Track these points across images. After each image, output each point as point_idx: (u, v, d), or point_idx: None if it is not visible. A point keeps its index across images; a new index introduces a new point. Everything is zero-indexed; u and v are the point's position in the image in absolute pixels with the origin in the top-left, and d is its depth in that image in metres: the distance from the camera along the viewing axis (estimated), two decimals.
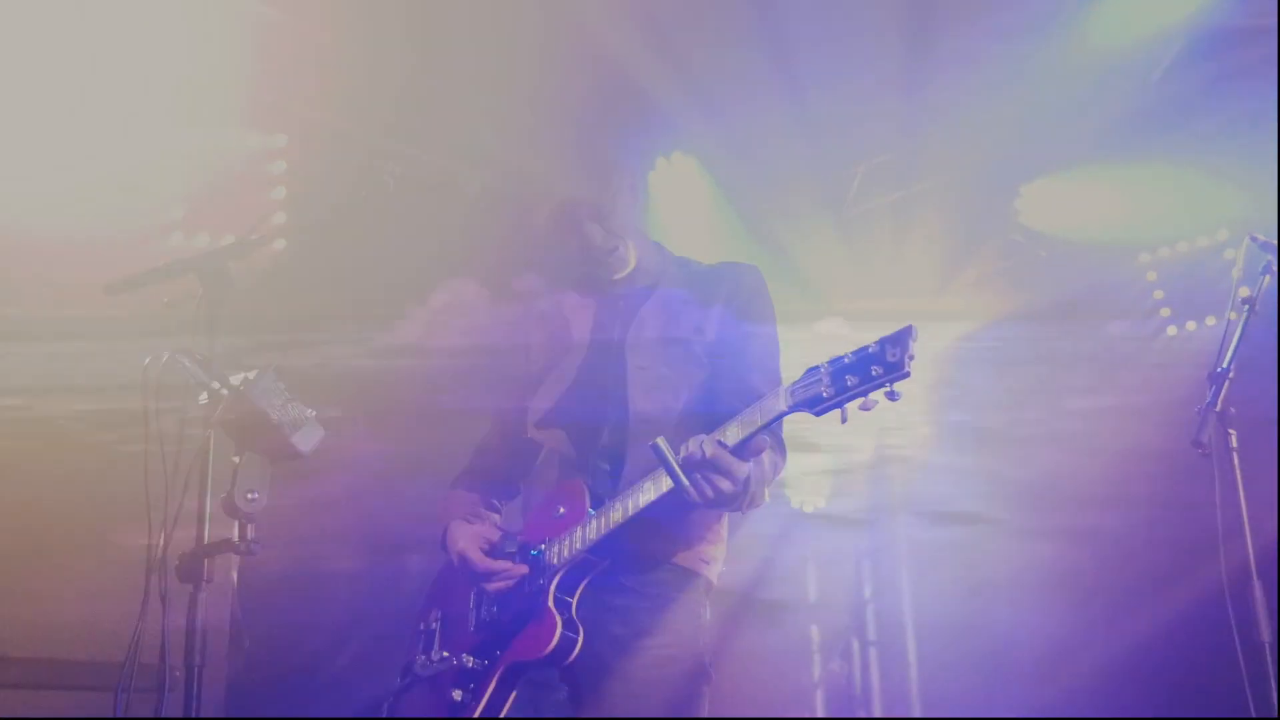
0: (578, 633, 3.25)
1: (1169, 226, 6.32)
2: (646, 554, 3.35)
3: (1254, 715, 3.42)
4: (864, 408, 2.79)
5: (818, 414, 2.88)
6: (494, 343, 4.15)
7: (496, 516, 3.76)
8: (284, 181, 5.30)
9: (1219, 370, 3.56)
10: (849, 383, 2.80)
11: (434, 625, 3.57)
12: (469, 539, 3.46)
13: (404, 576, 5.97)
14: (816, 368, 2.89)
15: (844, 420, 2.84)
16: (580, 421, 3.51)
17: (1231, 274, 6.27)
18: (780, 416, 2.94)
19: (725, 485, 3.00)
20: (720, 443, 2.99)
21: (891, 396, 2.76)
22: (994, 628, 6.54)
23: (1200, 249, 6.33)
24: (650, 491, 3.15)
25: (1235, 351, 3.62)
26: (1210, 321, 6.35)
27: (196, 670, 2.76)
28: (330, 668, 5.38)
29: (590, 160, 3.61)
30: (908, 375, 2.74)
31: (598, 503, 3.32)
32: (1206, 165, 5.91)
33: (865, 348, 2.82)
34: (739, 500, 3.09)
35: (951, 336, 6.63)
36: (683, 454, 2.99)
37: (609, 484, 3.37)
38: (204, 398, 2.78)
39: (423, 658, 3.53)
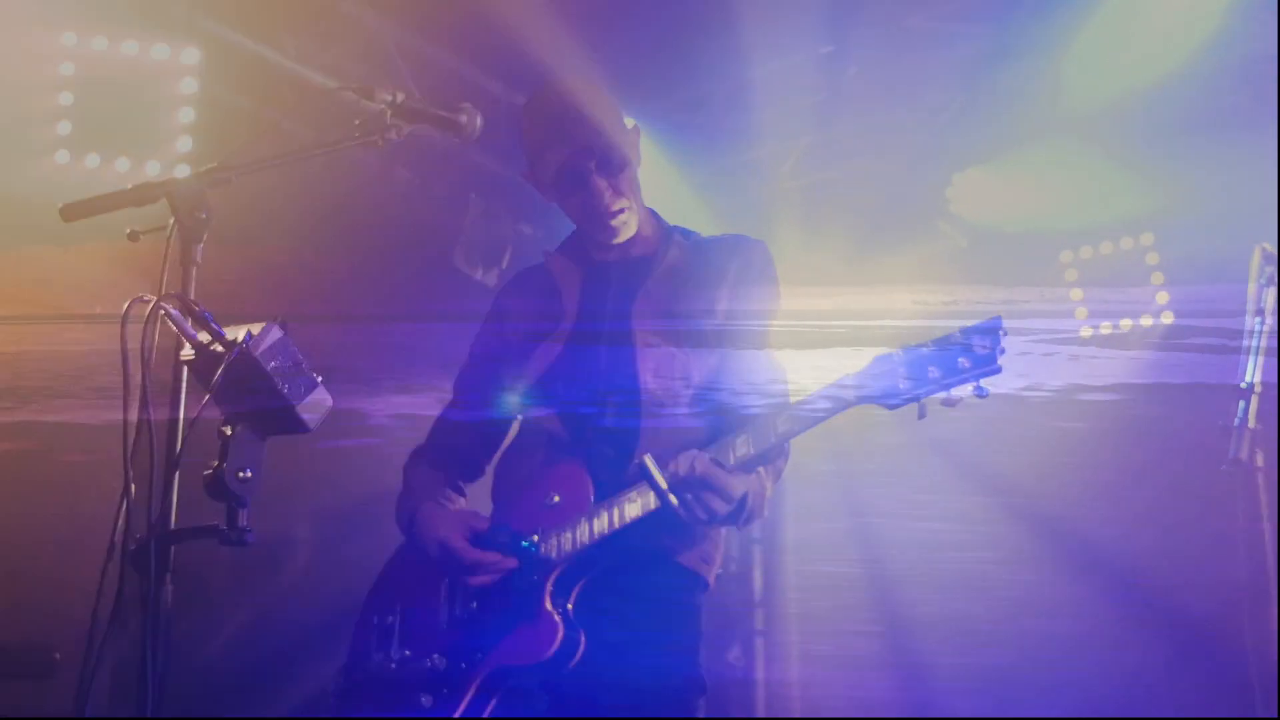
0: (580, 635, 2.91)
1: (1094, 226, 6.25)
2: (649, 552, 3.02)
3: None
4: (947, 403, 2.61)
5: (892, 407, 2.63)
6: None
7: (463, 500, 3.37)
8: (194, 103, 4.74)
9: (1244, 385, 3.41)
10: (931, 374, 2.59)
11: (391, 620, 3.16)
12: (451, 525, 3.07)
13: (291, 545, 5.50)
14: (887, 355, 2.65)
15: (922, 415, 2.62)
16: (576, 400, 3.16)
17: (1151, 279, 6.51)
18: (846, 407, 2.67)
19: (719, 505, 2.80)
20: (715, 461, 2.78)
21: (980, 393, 2.56)
22: (893, 619, 6.38)
23: (1124, 251, 6.27)
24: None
25: (1258, 365, 3.48)
26: (1126, 325, 6.31)
27: (155, 680, 2.34)
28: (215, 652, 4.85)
29: (603, 111, 3.24)
30: (999, 371, 2.54)
31: (603, 492, 2.98)
32: (1140, 167, 5.84)
33: (947, 337, 2.60)
34: (736, 518, 2.88)
35: (871, 322, 6.45)
36: (670, 470, 2.78)
37: (614, 471, 3.03)
38: (188, 353, 2.33)
39: (378, 656, 3.12)
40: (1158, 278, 6.22)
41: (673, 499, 2.76)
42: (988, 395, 2.57)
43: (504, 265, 5.96)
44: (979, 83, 5.67)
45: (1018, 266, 6.46)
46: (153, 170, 4.72)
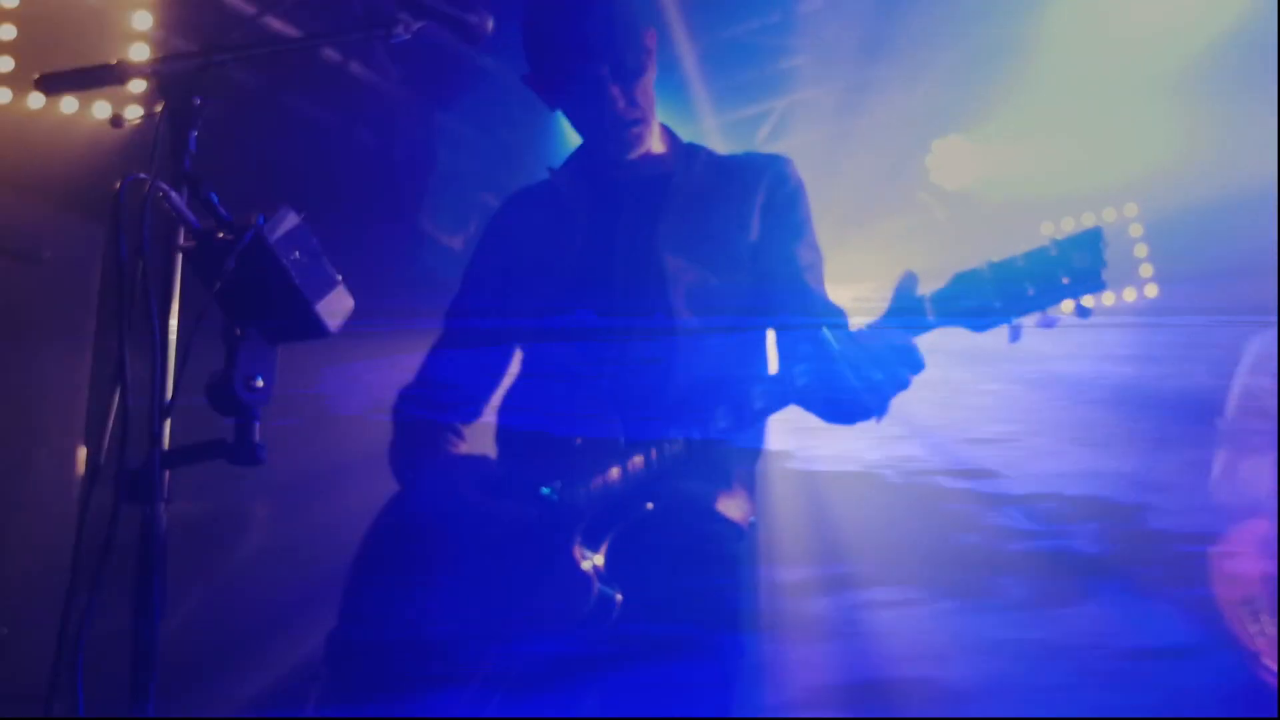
0: (615, 593, 2.61)
1: (1076, 197, 6.08)
2: (684, 499, 2.73)
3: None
4: (1044, 324, 2.33)
5: (980, 329, 2.36)
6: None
7: (463, 444, 3.05)
8: (148, 40, 4.32)
9: None
10: (1028, 292, 2.31)
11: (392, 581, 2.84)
12: (460, 473, 2.77)
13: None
14: (971, 272, 2.37)
15: (1015, 338, 2.35)
16: (594, 329, 2.85)
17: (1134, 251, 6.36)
18: (926, 329, 2.40)
19: (907, 376, 2.44)
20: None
21: (1082, 313, 2.30)
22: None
23: (1106, 223, 6.12)
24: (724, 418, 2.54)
25: None
26: (1109, 299, 6.16)
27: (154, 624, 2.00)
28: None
29: (619, 14, 2.93)
30: (1104, 287, 2.28)
31: (633, 430, 2.69)
32: (1125, 135, 5.69)
33: (1042, 250, 2.34)
34: (885, 407, 2.52)
35: (844, 295, 6.22)
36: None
37: (641, 407, 2.73)
38: (187, 241, 2.00)
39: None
40: (1141, 250, 6.09)
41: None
42: (1090, 315, 2.31)
43: (470, 231, 5.65)
44: (961, 45, 5.50)
45: (998, 239, 6.27)
46: (102, 111, 4.36)
